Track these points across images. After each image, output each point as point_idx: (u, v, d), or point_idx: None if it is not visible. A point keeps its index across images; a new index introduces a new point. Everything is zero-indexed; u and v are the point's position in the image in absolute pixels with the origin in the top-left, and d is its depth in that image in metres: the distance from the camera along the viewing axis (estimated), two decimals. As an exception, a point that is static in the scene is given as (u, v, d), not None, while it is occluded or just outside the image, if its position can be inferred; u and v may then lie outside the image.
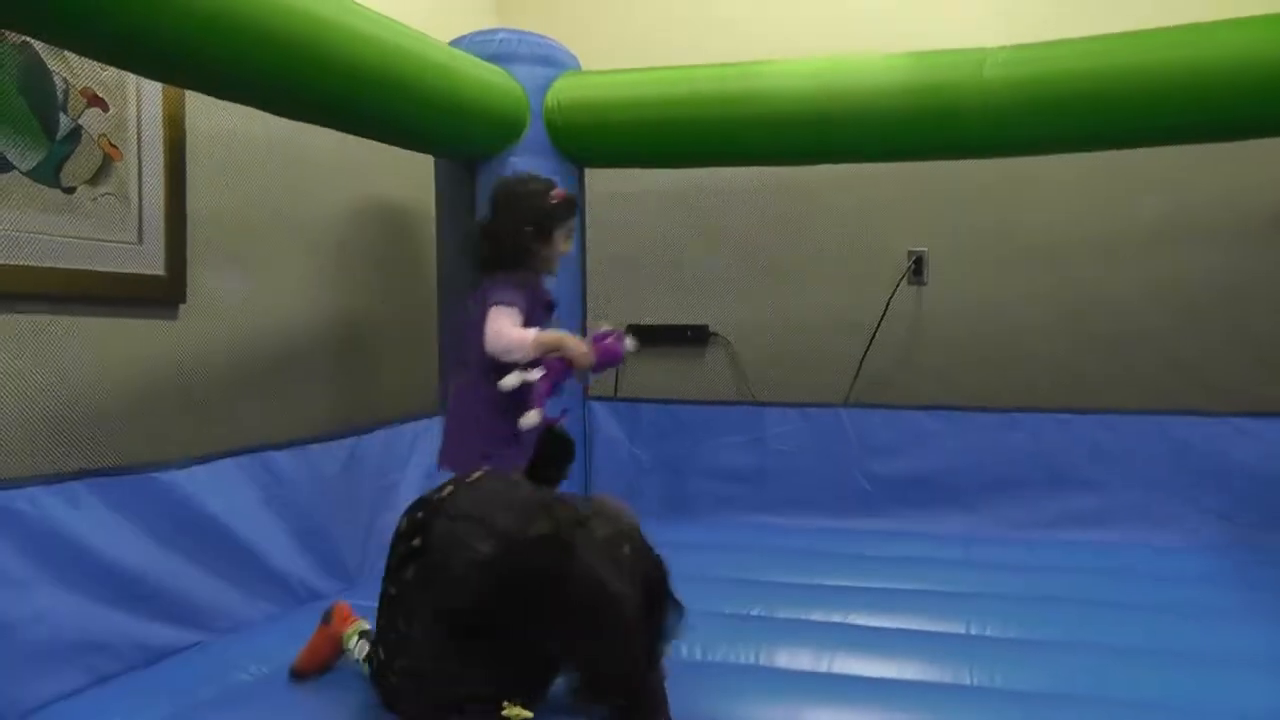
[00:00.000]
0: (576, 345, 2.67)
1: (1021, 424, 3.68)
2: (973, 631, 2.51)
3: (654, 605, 1.78)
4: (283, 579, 2.77)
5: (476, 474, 2.03)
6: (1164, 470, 3.54)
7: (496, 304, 2.64)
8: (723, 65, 3.60)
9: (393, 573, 1.94)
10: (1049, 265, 4.05)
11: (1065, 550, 3.31)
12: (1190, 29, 3.18)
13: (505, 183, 2.94)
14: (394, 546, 1.97)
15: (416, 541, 1.90)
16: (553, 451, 2.91)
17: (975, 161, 3.73)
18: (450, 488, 1.99)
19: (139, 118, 2.91)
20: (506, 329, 2.61)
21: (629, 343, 2.85)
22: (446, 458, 2.77)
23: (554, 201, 2.82)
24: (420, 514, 1.96)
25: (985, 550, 3.29)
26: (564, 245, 2.86)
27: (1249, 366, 3.86)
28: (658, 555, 1.84)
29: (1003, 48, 3.33)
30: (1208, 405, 3.65)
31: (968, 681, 2.19)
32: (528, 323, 2.68)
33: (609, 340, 2.79)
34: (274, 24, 2.44)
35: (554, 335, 2.66)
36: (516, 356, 2.60)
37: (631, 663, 1.76)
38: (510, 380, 2.58)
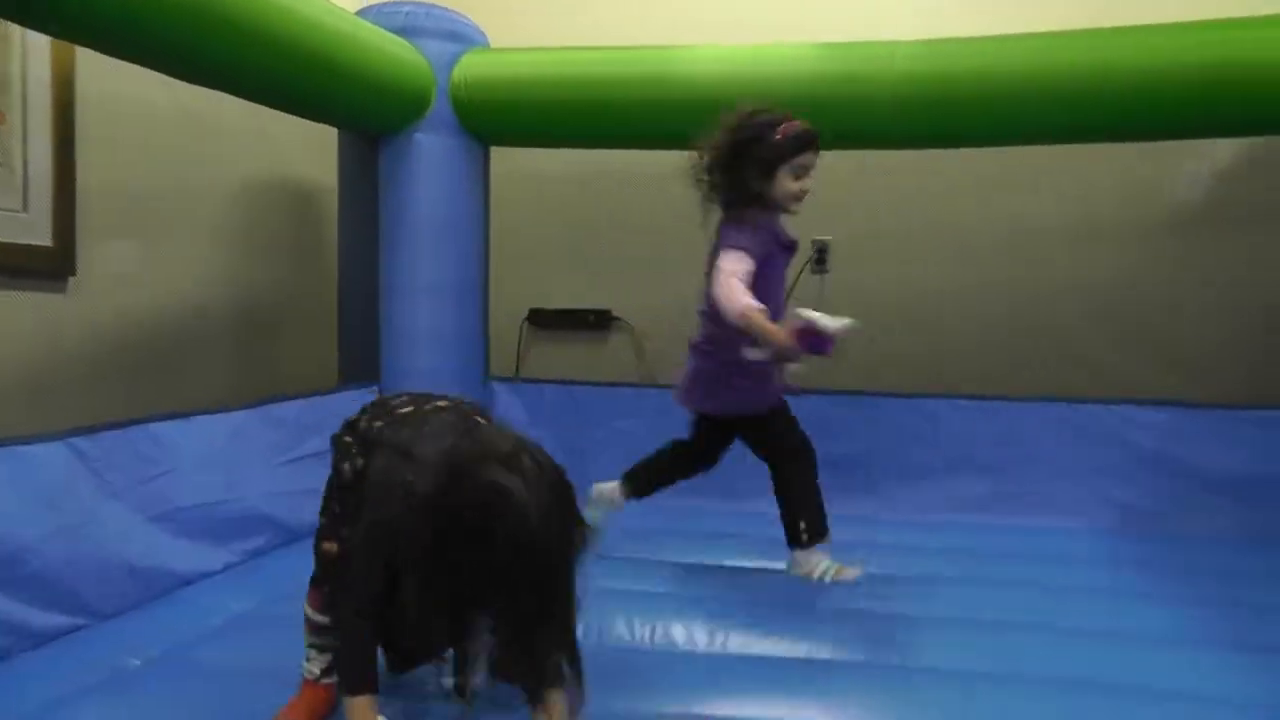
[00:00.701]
0: (778, 339, 2.41)
1: (925, 409, 3.76)
2: (863, 606, 2.53)
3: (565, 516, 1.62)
4: (169, 559, 2.64)
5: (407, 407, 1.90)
6: (1064, 456, 3.64)
7: (726, 248, 2.56)
8: (635, 48, 3.60)
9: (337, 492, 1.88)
10: (955, 257, 4.14)
11: (968, 532, 3.37)
12: (1095, 33, 3.31)
13: (732, 114, 2.70)
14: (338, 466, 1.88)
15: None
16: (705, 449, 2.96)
17: (882, 152, 3.79)
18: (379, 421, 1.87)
19: (24, 76, 2.79)
20: (727, 281, 2.50)
21: (834, 324, 2.39)
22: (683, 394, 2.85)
23: (778, 137, 2.62)
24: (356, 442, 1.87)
25: (888, 532, 3.34)
26: (792, 184, 2.64)
27: (1146, 360, 3.99)
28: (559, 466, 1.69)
29: (913, 41, 3.38)
30: (1106, 394, 3.76)
31: (861, 659, 2.21)
32: (764, 264, 2.59)
33: (813, 340, 2.41)
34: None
35: (761, 323, 2.42)
36: (726, 313, 2.48)
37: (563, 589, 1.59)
38: (754, 353, 2.58)
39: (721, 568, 2.91)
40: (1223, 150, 3.93)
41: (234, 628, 2.38)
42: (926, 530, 3.39)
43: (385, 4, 3.60)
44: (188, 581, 2.68)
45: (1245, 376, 3.95)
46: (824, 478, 3.48)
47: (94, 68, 2.93)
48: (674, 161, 4.13)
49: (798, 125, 2.63)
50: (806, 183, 2.65)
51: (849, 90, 3.38)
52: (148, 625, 2.37)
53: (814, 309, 2.35)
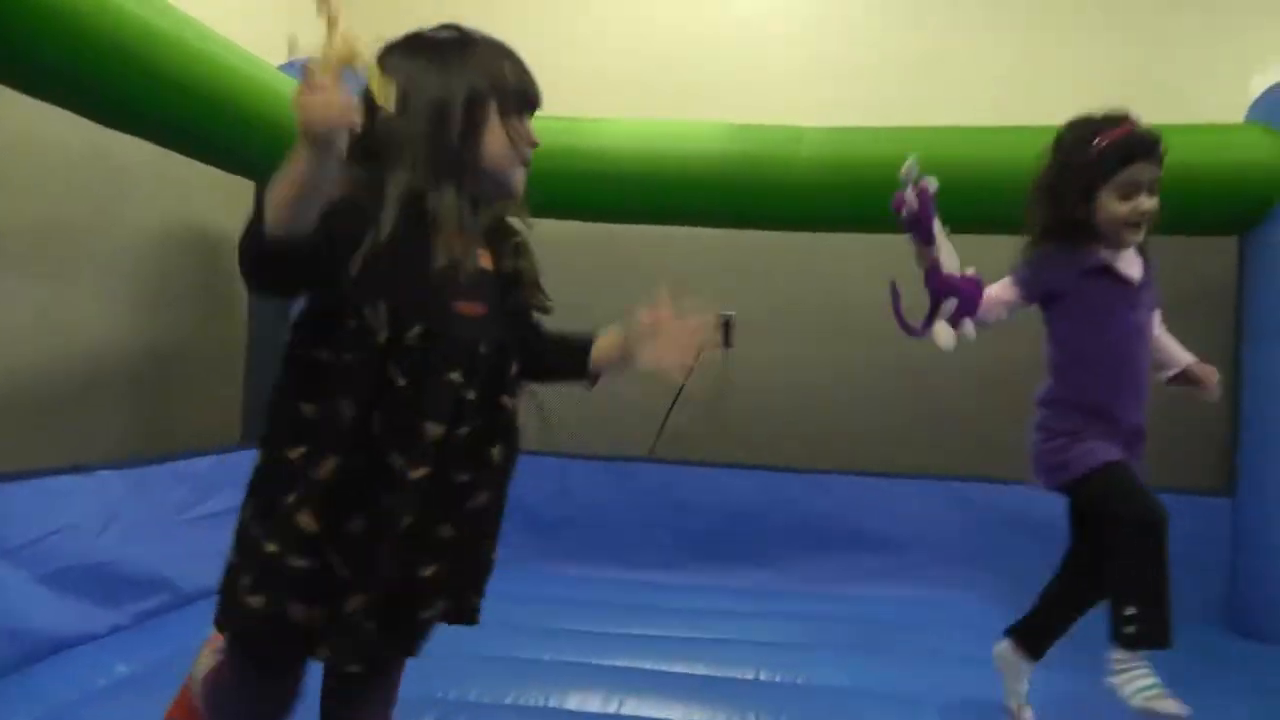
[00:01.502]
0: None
1: (822, 484, 3.83)
2: (761, 677, 2.59)
3: None
4: (53, 620, 2.51)
5: None
6: (956, 530, 3.74)
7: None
8: (551, 118, 3.63)
9: None
10: (853, 335, 4.23)
11: (858, 604, 3.43)
12: (996, 131, 3.52)
13: (1069, 123, 2.26)
14: None
15: None
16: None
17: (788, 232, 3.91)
18: None
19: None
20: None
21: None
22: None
23: (1097, 148, 2.13)
24: None
25: (781, 603, 3.40)
26: (1119, 207, 2.12)
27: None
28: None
29: (820, 128, 3.52)
30: (1000, 473, 3.87)
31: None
32: (1091, 306, 2.21)
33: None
34: (103, 27, 2.38)
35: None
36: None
37: None
38: (944, 338, 2.21)
39: (623, 636, 2.92)
40: None
41: (119, 690, 2.32)
42: (821, 601, 3.45)
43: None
44: (72, 644, 2.55)
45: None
46: (718, 548, 3.52)
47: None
48: (580, 232, 4.22)
49: (1123, 131, 2.13)
50: (1142, 203, 2.12)
51: (757, 171, 3.50)
52: (26, 689, 2.28)
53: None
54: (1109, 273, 2.19)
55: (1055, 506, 3.67)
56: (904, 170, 2.07)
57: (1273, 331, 3.40)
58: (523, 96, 1.60)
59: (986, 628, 3.20)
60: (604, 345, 1.67)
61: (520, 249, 1.67)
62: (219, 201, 3.88)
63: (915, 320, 2.20)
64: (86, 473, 2.73)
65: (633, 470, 3.88)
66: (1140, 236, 2.13)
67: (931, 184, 2.07)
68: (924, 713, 2.37)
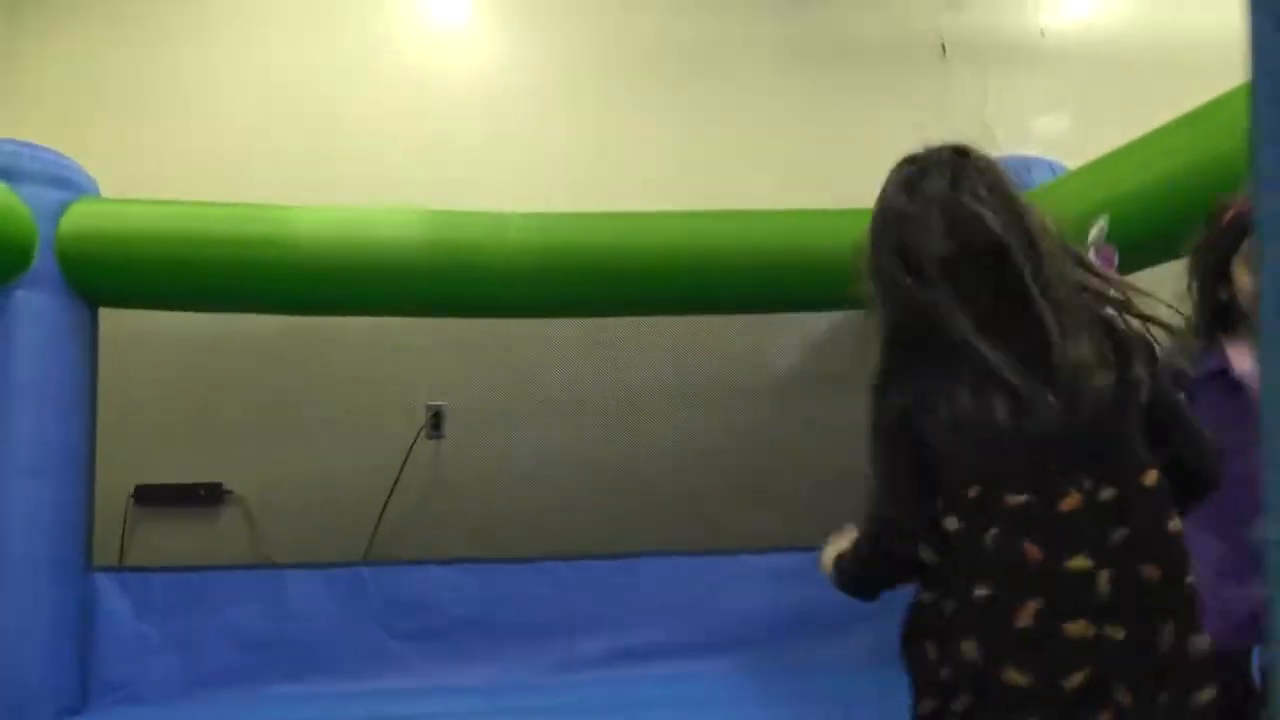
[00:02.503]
0: None
1: (545, 572, 3.77)
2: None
3: None
4: None
5: None
6: (682, 606, 3.76)
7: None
8: (246, 205, 3.52)
9: None
10: (567, 420, 4.27)
11: (594, 689, 3.41)
12: (696, 215, 3.69)
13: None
14: None
15: None
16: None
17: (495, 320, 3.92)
18: None
19: None
20: None
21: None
22: None
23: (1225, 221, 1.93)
24: None
25: (512, 698, 3.33)
26: (1244, 279, 1.86)
27: (762, 513, 4.20)
28: None
29: (525, 214, 3.57)
30: (718, 545, 3.97)
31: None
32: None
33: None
34: None
35: None
36: None
37: None
38: None
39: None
40: (816, 321, 4.29)
41: None
42: (550, 691, 3.40)
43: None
44: None
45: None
46: (440, 646, 3.41)
47: None
48: (287, 324, 4.08)
49: (1238, 203, 1.92)
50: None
51: (464, 258, 3.49)
52: None
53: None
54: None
55: (781, 574, 3.84)
56: (1093, 234, 2.02)
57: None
58: None
59: (725, 699, 3.28)
60: None
61: None
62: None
63: None
64: None
65: (350, 575, 3.70)
66: None
67: (1115, 253, 2.01)
68: None
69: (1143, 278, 2.08)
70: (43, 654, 3.25)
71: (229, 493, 4.13)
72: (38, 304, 3.28)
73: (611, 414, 4.29)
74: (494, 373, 4.26)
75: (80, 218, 3.34)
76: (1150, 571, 1.35)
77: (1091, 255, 1.85)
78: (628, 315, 3.92)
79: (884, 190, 1.57)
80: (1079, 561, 1.34)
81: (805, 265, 3.53)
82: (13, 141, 3.33)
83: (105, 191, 3.57)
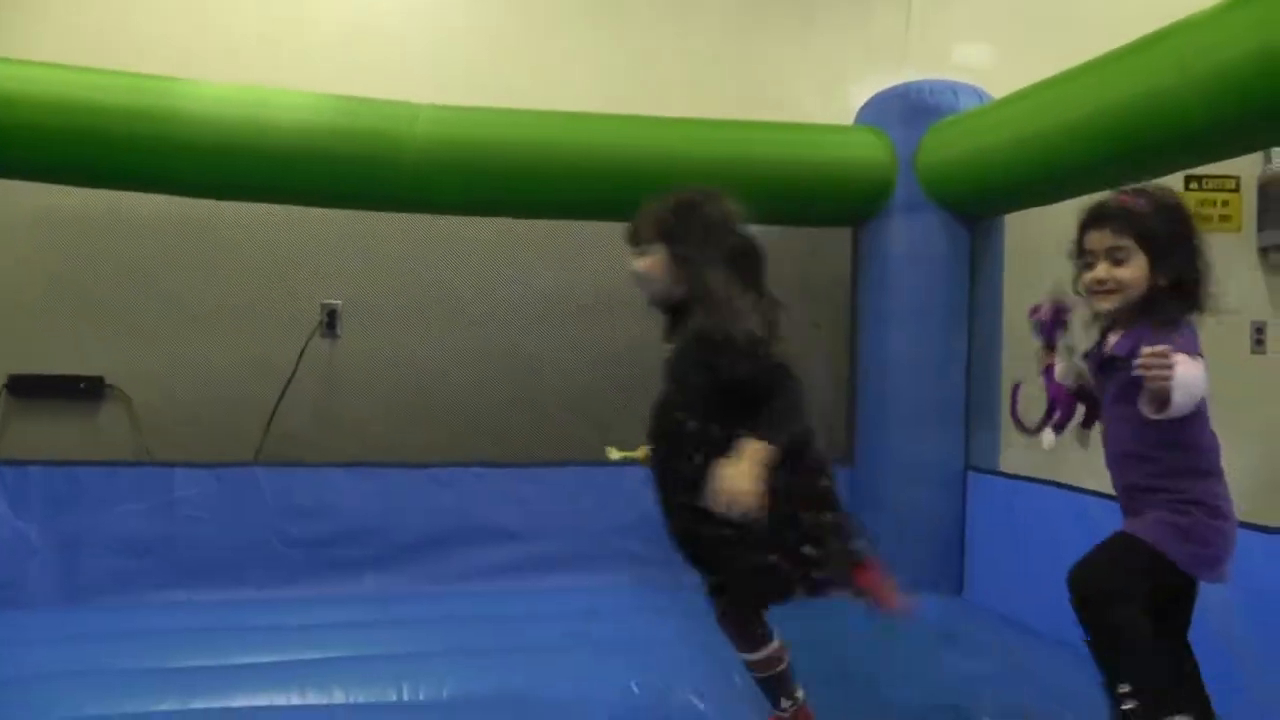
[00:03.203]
0: None
1: (442, 479, 3.68)
2: (405, 697, 2.46)
3: None
4: None
5: None
6: (580, 517, 3.73)
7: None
8: (138, 75, 3.24)
9: None
10: (468, 323, 4.12)
11: (492, 601, 3.35)
12: (616, 118, 3.56)
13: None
14: None
15: None
16: None
17: (396, 216, 3.73)
18: None
19: None
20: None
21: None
22: None
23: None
24: None
25: (407, 608, 3.25)
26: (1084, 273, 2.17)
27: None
28: None
29: (435, 105, 3.37)
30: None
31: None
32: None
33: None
34: None
35: None
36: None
37: None
38: (1046, 441, 2.25)
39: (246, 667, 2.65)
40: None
41: None
42: (448, 601, 3.34)
43: None
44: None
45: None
46: (335, 554, 3.35)
47: None
48: (176, 209, 3.82)
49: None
50: (1098, 271, 2.11)
51: (368, 148, 3.29)
52: None
53: None
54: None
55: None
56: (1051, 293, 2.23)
57: (881, 316, 3.70)
58: None
59: (625, 609, 3.26)
60: None
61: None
62: None
63: (1031, 421, 2.29)
64: None
65: (242, 475, 3.53)
66: (1108, 305, 2.09)
67: (1067, 307, 2.21)
68: (583, 711, 2.34)
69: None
70: None
71: (110, 387, 3.88)
72: None
73: (516, 321, 4.16)
74: (396, 273, 4.07)
75: None
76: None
77: (1046, 304, 2.22)
78: (537, 218, 3.77)
79: None
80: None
81: (715, 175, 3.38)
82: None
83: None
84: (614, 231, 3.82)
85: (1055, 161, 3.07)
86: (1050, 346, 2.25)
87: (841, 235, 4.05)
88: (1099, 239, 2.10)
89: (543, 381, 4.16)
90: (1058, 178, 3.13)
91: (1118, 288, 2.06)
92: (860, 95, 3.89)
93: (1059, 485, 3.21)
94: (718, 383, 2.08)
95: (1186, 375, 1.88)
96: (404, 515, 3.61)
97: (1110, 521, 2.11)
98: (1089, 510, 2.86)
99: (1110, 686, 1.96)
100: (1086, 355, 2.21)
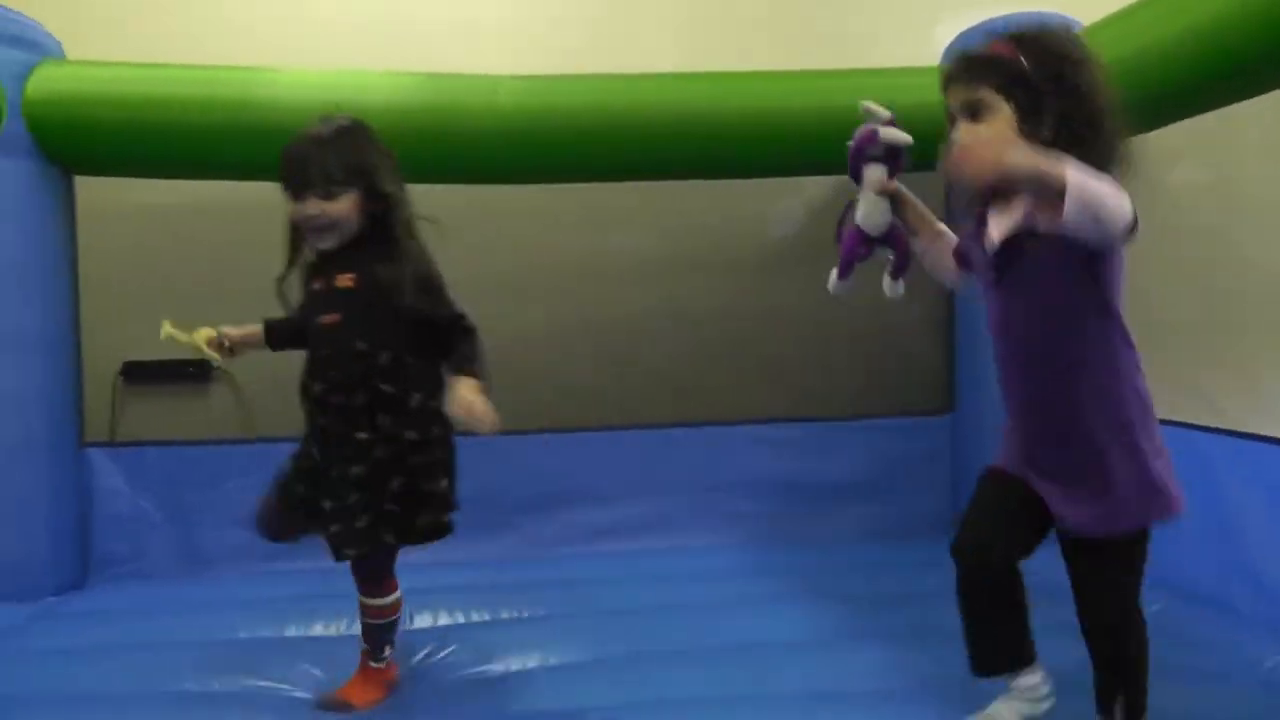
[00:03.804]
0: None
1: (540, 444, 3.77)
2: (554, 661, 2.52)
3: None
4: None
5: None
6: (682, 478, 3.79)
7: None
8: (225, 68, 3.36)
9: None
10: (560, 292, 4.18)
11: (604, 563, 3.41)
12: (693, 77, 3.55)
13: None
14: None
15: None
16: None
17: (484, 188, 3.77)
18: None
19: None
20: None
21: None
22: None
23: None
24: None
25: (518, 570, 3.34)
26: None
27: (752, 383, 4.22)
28: None
29: (515, 76, 3.40)
30: (713, 417, 3.94)
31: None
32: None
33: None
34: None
35: None
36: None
37: None
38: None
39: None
40: (817, 187, 4.16)
41: None
42: (554, 565, 3.40)
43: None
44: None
45: (845, 393, 4.24)
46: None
47: None
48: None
49: None
50: (955, 132, 1.77)
51: (451, 123, 3.34)
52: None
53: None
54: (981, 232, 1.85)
55: (775, 445, 3.85)
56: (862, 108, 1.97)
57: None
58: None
59: (733, 572, 3.29)
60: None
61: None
62: None
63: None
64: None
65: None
66: (970, 172, 1.65)
67: (874, 137, 1.93)
68: (698, 665, 2.38)
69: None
70: (41, 531, 3.27)
71: (218, 370, 4.04)
72: (9, 170, 3.17)
73: (606, 284, 4.19)
74: (486, 245, 4.11)
75: (49, 80, 3.21)
76: None
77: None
78: (623, 180, 3.77)
79: None
80: None
81: (804, 128, 3.41)
82: (-29, -1, 3.17)
83: (69, 53, 3.41)
84: (699, 190, 3.90)
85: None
86: (856, 179, 2.00)
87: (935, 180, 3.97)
88: (953, 94, 1.77)
89: (635, 345, 4.21)
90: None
91: (977, 151, 1.63)
92: (945, 35, 3.81)
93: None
94: (426, 319, 2.16)
95: (1083, 180, 1.49)
96: (506, 480, 3.66)
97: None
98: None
99: (1106, 698, 1.83)
100: (964, 246, 1.94)
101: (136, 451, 3.62)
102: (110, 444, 3.75)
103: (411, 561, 3.41)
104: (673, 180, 3.81)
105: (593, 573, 3.28)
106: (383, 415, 2.14)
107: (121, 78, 3.31)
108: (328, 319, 2.21)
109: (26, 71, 3.18)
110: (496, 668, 2.47)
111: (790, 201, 4.24)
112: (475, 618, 2.85)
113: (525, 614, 2.86)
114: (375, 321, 2.16)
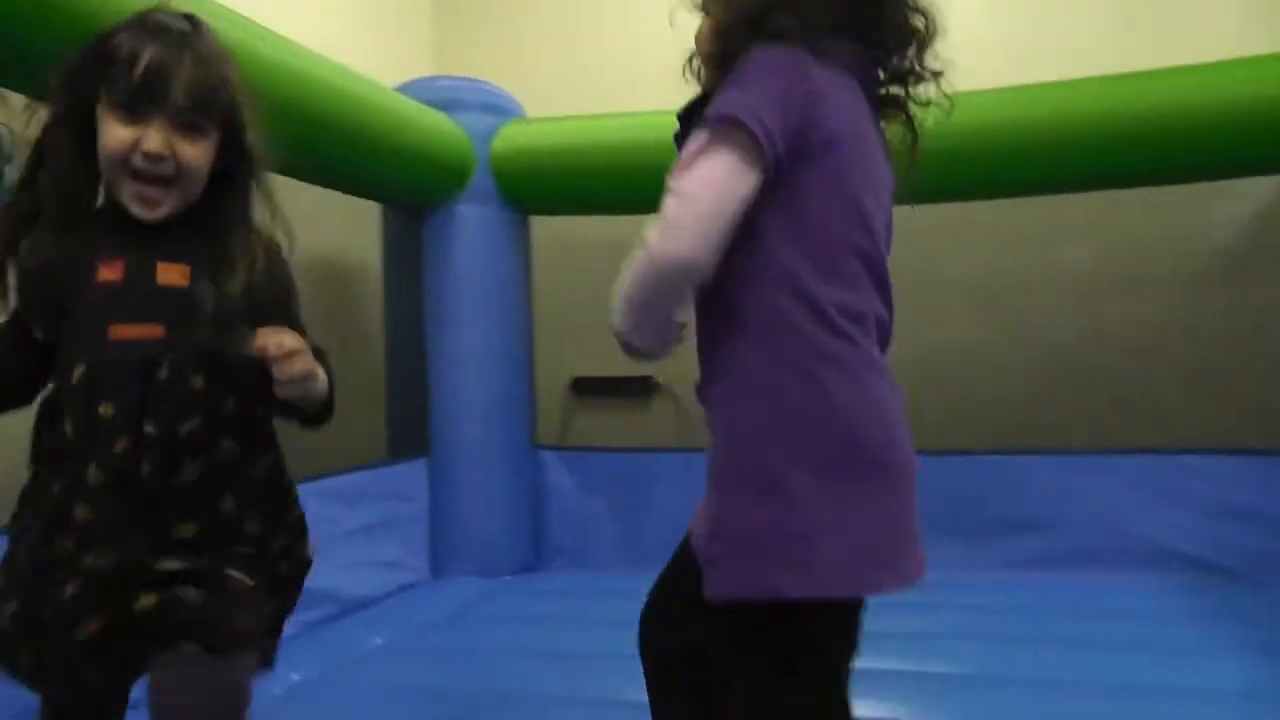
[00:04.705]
0: None
1: (974, 466, 3.65)
2: (962, 670, 2.53)
3: None
4: None
5: None
6: (1121, 509, 3.51)
7: None
8: (654, 113, 3.55)
9: None
10: (994, 308, 4.09)
11: (1028, 591, 3.27)
12: (1139, 76, 3.26)
13: None
14: None
15: None
16: None
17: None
18: None
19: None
20: None
21: None
22: None
23: None
24: None
25: (951, 594, 3.25)
26: None
27: (1201, 408, 3.88)
28: None
29: (964, 92, 3.29)
30: (1156, 443, 3.67)
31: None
32: None
33: None
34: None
35: None
36: None
37: None
38: None
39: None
40: (1261, 191, 3.82)
41: (296, 697, 2.38)
42: (982, 590, 3.27)
43: (421, 79, 3.68)
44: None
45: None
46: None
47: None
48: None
49: None
50: None
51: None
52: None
53: None
54: None
55: (1225, 479, 3.48)
56: None
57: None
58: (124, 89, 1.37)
59: (1157, 611, 3.02)
60: None
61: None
62: (341, 229, 3.90)
63: None
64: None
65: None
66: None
67: None
68: (1117, 705, 2.28)
69: None
70: (502, 519, 3.75)
71: (659, 385, 4.35)
72: (478, 216, 3.67)
73: (1039, 301, 4.06)
74: (908, 262, 4.09)
75: (510, 138, 3.68)
76: None
77: None
78: (1046, 194, 3.60)
79: None
80: None
81: (1257, 122, 3.04)
82: (449, 77, 3.81)
83: (527, 110, 3.88)
84: (1147, 198, 3.67)
85: None
86: None
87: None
88: None
89: (1072, 365, 4.02)
90: None
91: None
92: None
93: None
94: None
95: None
96: (937, 504, 3.57)
97: None
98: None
99: None
100: None
101: (582, 455, 4.01)
102: (560, 448, 4.14)
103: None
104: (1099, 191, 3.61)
105: (1015, 601, 3.18)
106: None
107: (565, 129, 3.71)
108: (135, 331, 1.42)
109: (492, 132, 3.68)
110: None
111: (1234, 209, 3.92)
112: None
113: (948, 629, 2.85)
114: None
